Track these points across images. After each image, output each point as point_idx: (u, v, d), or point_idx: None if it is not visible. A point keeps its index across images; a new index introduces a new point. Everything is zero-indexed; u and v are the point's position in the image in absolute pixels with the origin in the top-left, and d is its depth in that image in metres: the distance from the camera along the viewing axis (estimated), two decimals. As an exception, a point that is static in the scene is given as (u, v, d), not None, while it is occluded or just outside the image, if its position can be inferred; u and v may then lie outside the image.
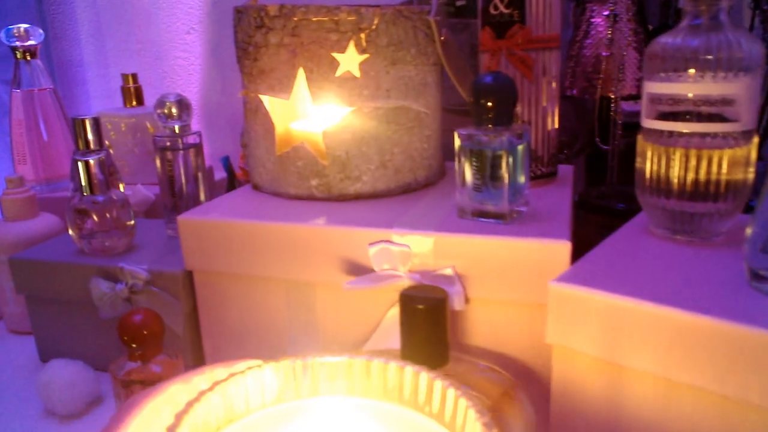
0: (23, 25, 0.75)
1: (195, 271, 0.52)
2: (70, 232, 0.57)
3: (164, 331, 0.48)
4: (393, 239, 0.44)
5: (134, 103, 0.77)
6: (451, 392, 0.23)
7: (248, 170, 0.58)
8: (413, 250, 0.43)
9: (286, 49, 0.50)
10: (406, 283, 0.43)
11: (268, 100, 0.52)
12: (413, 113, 0.53)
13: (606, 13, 0.70)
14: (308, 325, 0.49)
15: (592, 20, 0.70)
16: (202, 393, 0.23)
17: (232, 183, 0.95)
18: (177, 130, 0.59)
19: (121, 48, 1.12)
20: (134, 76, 0.77)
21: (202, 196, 0.61)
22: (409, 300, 0.36)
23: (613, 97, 0.67)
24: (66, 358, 0.54)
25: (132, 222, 0.58)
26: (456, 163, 0.45)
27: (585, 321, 0.34)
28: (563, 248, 0.40)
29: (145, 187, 0.74)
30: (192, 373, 0.25)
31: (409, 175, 0.54)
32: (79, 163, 0.55)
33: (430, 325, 0.36)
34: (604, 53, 0.70)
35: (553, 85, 0.53)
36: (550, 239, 0.40)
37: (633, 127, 0.49)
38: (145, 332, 0.46)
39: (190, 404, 0.22)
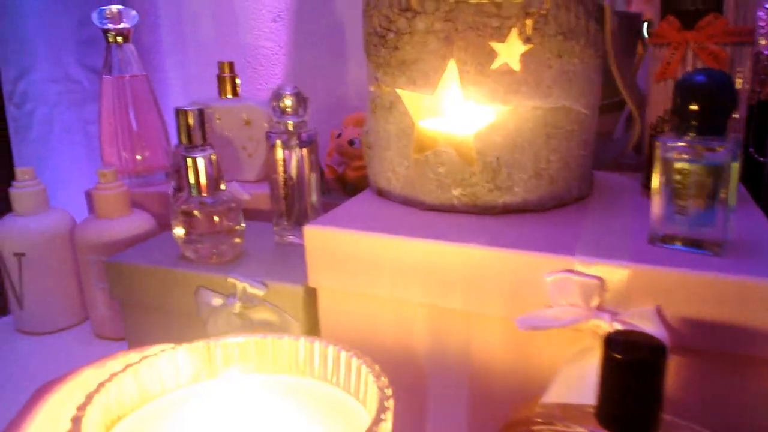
0: (116, 6, 0.71)
1: (319, 289, 0.46)
2: (175, 235, 0.52)
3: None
4: (576, 268, 0.36)
5: (229, 94, 0.71)
6: (354, 361, 0.25)
7: (370, 174, 0.51)
8: (603, 282, 0.36)
9: (436, 37, 0.43)
10: (598, 324, 0.35)
11: (407, 96, 0.45)
12: (573, 114, 0.45)
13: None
14: (456, 359, 0.42)
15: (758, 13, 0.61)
16: (114, 374, 0.23)
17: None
18: (291, 127, 0.53)
19: (201, 34, 1.08)
20: (231, 65, 0.71)
21: (314, 200, 0.55)
22: (617, 347, 0.29)
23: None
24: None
25: (242, 226, 0.52)
26: (655, 177, 0.37)
27: None
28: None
29: (240, 185, 0.68)
30: (105, 358, 0.25)
31: (564, 186, 0.47)
32: (188, 161, 0.50)
33: (643, 381, 0.29)
34: (765, 51, 0.61)
35: (746, 86, 0.45)
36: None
37: None
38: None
39: (101, 384, 0.23)
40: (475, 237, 0.41)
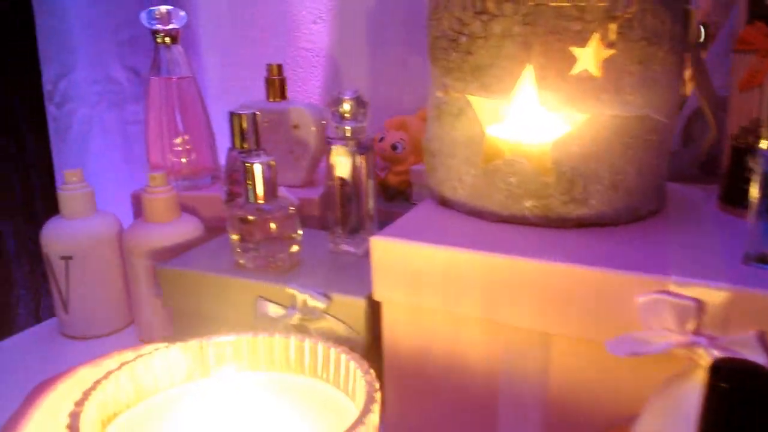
0: (165, 7, 0.70)
1: (384, 302, 0.44)
2: (233, 242, 0.50)
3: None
4: (670, 289, 0.34)
5: (277, 97, 0.70)
6: (344, 357, 0.25)
7: (432, 183, 0.50)
8: (701, 305, 0.33)
9: (513, 41, 0.41)
10: (694, 350, 0.33)
11: (478, 102, 0.43)
12: (653, 123, 0.43)
13: None
14: (532, 381, 0.40)
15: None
16: (109, 372, 0.24)
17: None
18: (348, 133, 0.51)
19: (240, 36, 1.07)
20: (279, 67, 0.70)
21: (371, 207, 0.53)
22: (724, 376, 0.26)
23: None
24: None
25: (299, 234, 0.51)
26: (753, 192, 0.35)
27: None
28: None
29: (288, 191, 0.67)
30: (101, 357, 0.26)
31: (640, 198, 0.44)
32: (247, 166, 0.48)
33: (753, 413, 0.27)
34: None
35: (840, 95, 0.42)
36: None
37: None
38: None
39: (97, 382, 0.23)
40: (554, 253, 0.39)
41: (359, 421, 0.21)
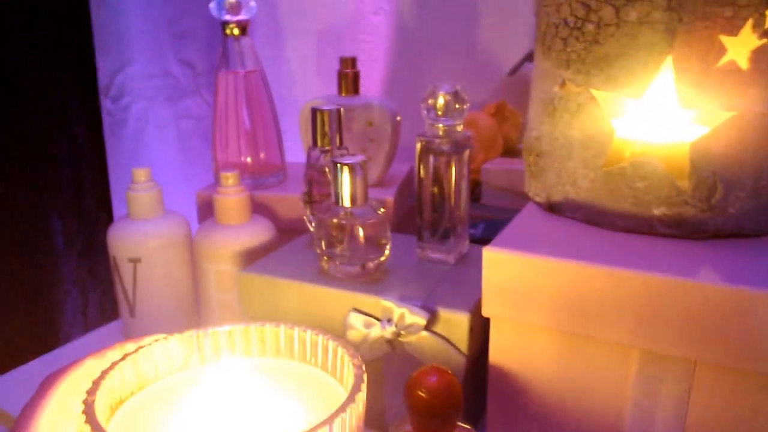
0: (233, -3, 0.66)
1: (493, 320, 0.40)
2: (318, 247, 0.47)
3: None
4: None
5: (350, 92, 0.66)
6: (332, 344, 0.28)
7: (537, 186, 0.45)
8: None
9: (652, 29, 0.36)
10: None
11: (604, 97, 0.39)
12: (803, 123, 0.38)
13: None
14: (669, 411, 0.36)
15: None
16: (114, 363, 0.26)
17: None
18: (441, 132, 0.47)
19: (296, 28, 1.03)
20: (353, 60, 0.66)
21: (464, 212, 0.49)
22: None
23: None
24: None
25: (389, 240, 0.47)
26: None
27: None
28: None
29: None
30: (105, 349, 0.27)
31: (784, 207, 0.39)
32: (338, 167, 0.44)
33: None
34: None
35: None
36: None
37: None
38: (446, 404, 0.35)
39: (105, 372, 0.25)
40: (698, 269, 0.34)
41: (350, 399, 0.23)
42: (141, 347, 0.27)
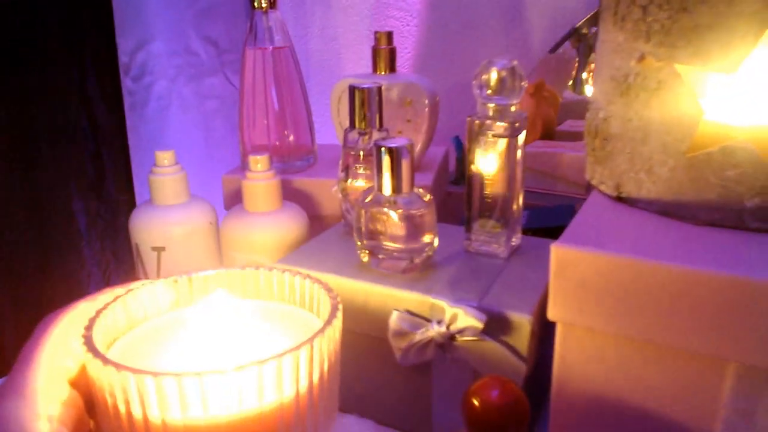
0: (260, -31, 0.62)
1: (561, 324, 0.35)
2: (358, 241, 0.43)
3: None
4: None
5: (386, 69, 0.62)
6: (308, 282, 0.31)
7: (603, 174, 0.41)
8: None
9: (754, -7, 0.31)
10: None
11: (691, 73, 0.34)
12: None
13: None
14: (771, 438, 0.31)
15: None
16: (107, 305, 0.28)
17: (463, 171, 0.79)
18: (491, 111, 0.43)
19: (323, 3, 0.99)
20: (389, 36, 0.61)
21: (520, 202, 0.45)
22: None
23: None
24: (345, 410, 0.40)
25: (436, 232, 0.43)
26: None
27: None
28: None
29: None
30: (98, 293, 0.29)
31: None
32: (383, 151, 0.40)
33: None
34: None
35: None
36: None
37: None
38: (512, 422, 0.31)
39: (98, 312, 0.27)
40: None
41: (327, 323, 0.26)
42: (130, 290, 0.29)
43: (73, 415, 0.25)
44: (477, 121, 0.43)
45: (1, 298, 0.68)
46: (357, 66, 0.97)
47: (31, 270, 0.70)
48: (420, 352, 0.39)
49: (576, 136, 0.81)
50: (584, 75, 0.83)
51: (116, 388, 0.24)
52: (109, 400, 0.24)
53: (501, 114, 0.43)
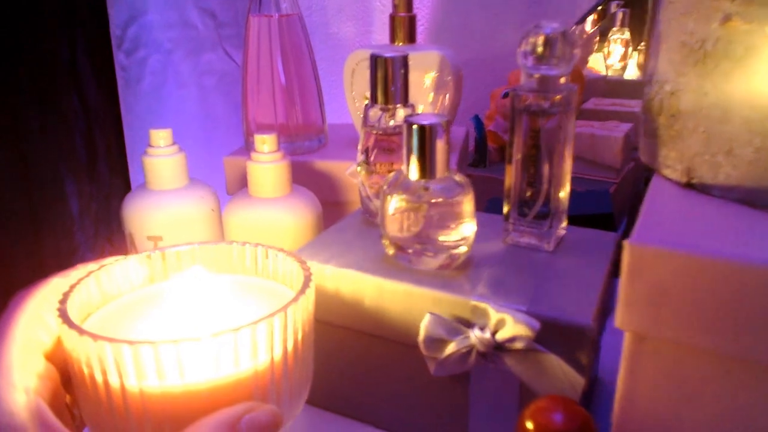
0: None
1: (631, 334, 0.30)
2: (384, 233, 0.37)
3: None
4: None
5: (405, 39, 0.56)
6: (281, 255, 0.31)
7: (669, 155, 0.35)
8: None
9: None
10: None
11: (790, 37, 0.28)
12: None
13: None
14: None
15: None
16: (80, 280, 0.28)
17: (483, 151, 0.73)
18: (542, 84, 0.37)
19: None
20: (408, 2, 0.55)
21: (565, 186, 0.39)
22: None
23: None
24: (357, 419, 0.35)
25: (474, 223, 0.37)
26: None
27: None
28: None
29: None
30: (69, 269, 0.29)
31: None
32: (414, 129, 0.35)
33: None
34: None
35: None
36: None
37: None
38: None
39: (72, 287, 0.27)
40: None
41: (301, 292, 0.27)
42: (103, 266, 0.30)
43: (50, 388, 0.25)
44: (521, 96, 0.37)
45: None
46: (365, 40, 0.90)
47: (23, 255, 0.64)
48: (459, 361, 0.34)
49: (601, 115, 0.76)
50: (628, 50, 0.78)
51: (93, 358, 0.24)
52: (86, 371, 0.25)
53: (549, 86, 0.37)
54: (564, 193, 0.39)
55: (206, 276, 0.29)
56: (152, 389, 0.24)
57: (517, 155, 0.39)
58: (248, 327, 0.24)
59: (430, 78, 0.54)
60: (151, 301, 0.30)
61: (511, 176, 0.39)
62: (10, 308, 0.26)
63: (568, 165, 0.39)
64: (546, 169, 0.38)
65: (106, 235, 0.76)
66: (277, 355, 0.26)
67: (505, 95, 0.74)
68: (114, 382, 0.24)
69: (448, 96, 0.55)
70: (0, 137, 0.61)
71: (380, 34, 0.89)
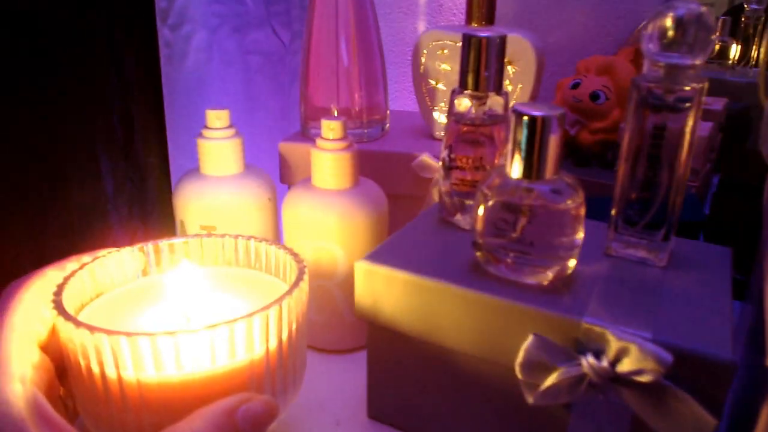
0: None
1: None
2: (479, 239, 0.33)
3: None
4: None
5: (482, 21, 0.51)
6: (274, 249, 0.32)
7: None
8: None
9: None
10: None
11: None
12: None
13: None
14: None
15: None
16: (74, 272, 0.29)
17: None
18: (670, 74, 0.32)
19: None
20: (489, -22, 0.50)
21: (680, 191, 0.34)
22: None
23: None
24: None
25: (583, 231, 0.33)
26: None
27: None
28: None
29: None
30: (64, 260, 0.30)
31: None
32: (524, 121, 0.30)
33: None
34: None
35: None
36: None
37: None
38: None
39: (66, 279, 0.28)
40: None
41: (294, 285, 0.28)
42: (96, 258, 0.30)
43: (45, 378, 0.25)
44: (646, 87, 0.32)
45: (24, 259, 0.61)
46: (434, 19, 0.85)
47: (55, 232, 0.61)
48: (565, 391, 0.29)
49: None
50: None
51: (89, 349, 0.24)
52: (82, 362, 0.25)
53: (678, 76, 0.32)
54: (681, 199, 0.35)
55: (199, 269, 0.30)
56: (149, 380, 0.24)
57: (631, 155, 0.34)
58: (244, 319, 0.25)
59: (510, 64, 0.49)
60: (145, 293, 0.31)
61: (621, 178, 0.35)
62: (5, 299, 0.26)
63: (689, 168, 0.34)
64: (665, 171, 0.33)
65: (141, 215, 0.73)
66: (273, 346, 0.27)
67: (574, 86, 0.69)
68: (111, 374, 0.24)
69: (529, 84, 0.50)
70: (33, 113, 0.57)
71: (445, 17, 0.84)
